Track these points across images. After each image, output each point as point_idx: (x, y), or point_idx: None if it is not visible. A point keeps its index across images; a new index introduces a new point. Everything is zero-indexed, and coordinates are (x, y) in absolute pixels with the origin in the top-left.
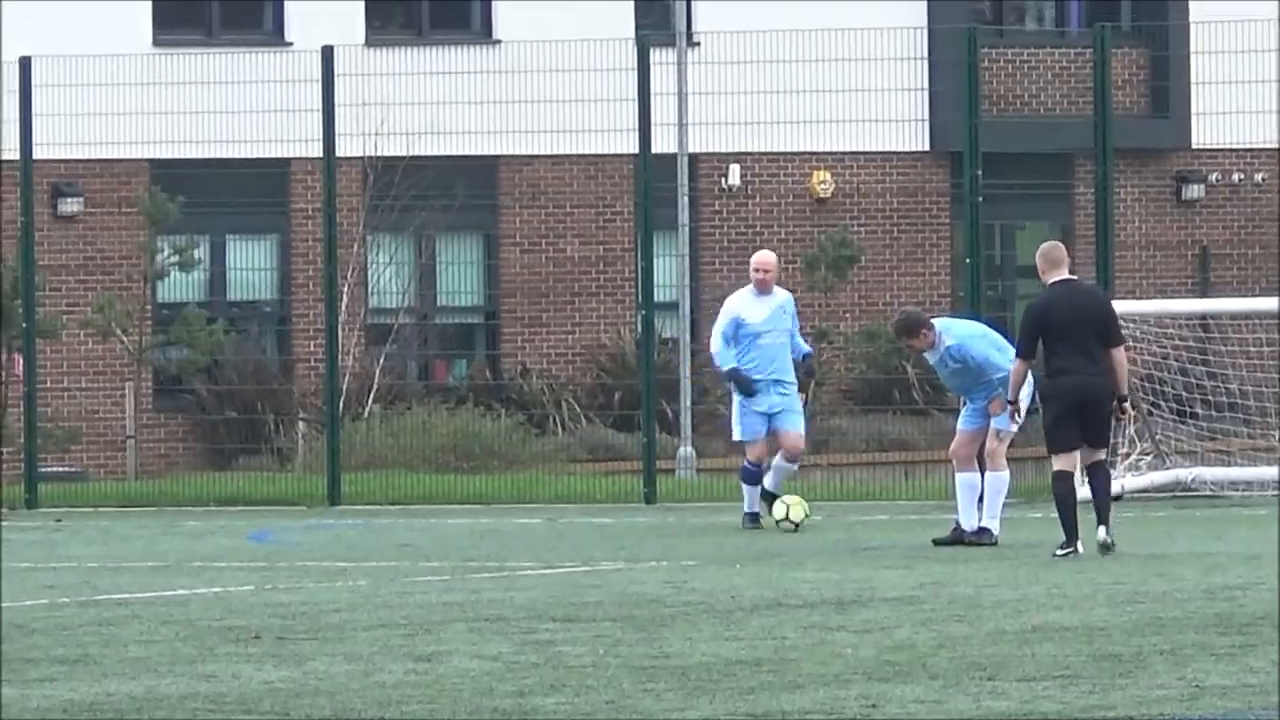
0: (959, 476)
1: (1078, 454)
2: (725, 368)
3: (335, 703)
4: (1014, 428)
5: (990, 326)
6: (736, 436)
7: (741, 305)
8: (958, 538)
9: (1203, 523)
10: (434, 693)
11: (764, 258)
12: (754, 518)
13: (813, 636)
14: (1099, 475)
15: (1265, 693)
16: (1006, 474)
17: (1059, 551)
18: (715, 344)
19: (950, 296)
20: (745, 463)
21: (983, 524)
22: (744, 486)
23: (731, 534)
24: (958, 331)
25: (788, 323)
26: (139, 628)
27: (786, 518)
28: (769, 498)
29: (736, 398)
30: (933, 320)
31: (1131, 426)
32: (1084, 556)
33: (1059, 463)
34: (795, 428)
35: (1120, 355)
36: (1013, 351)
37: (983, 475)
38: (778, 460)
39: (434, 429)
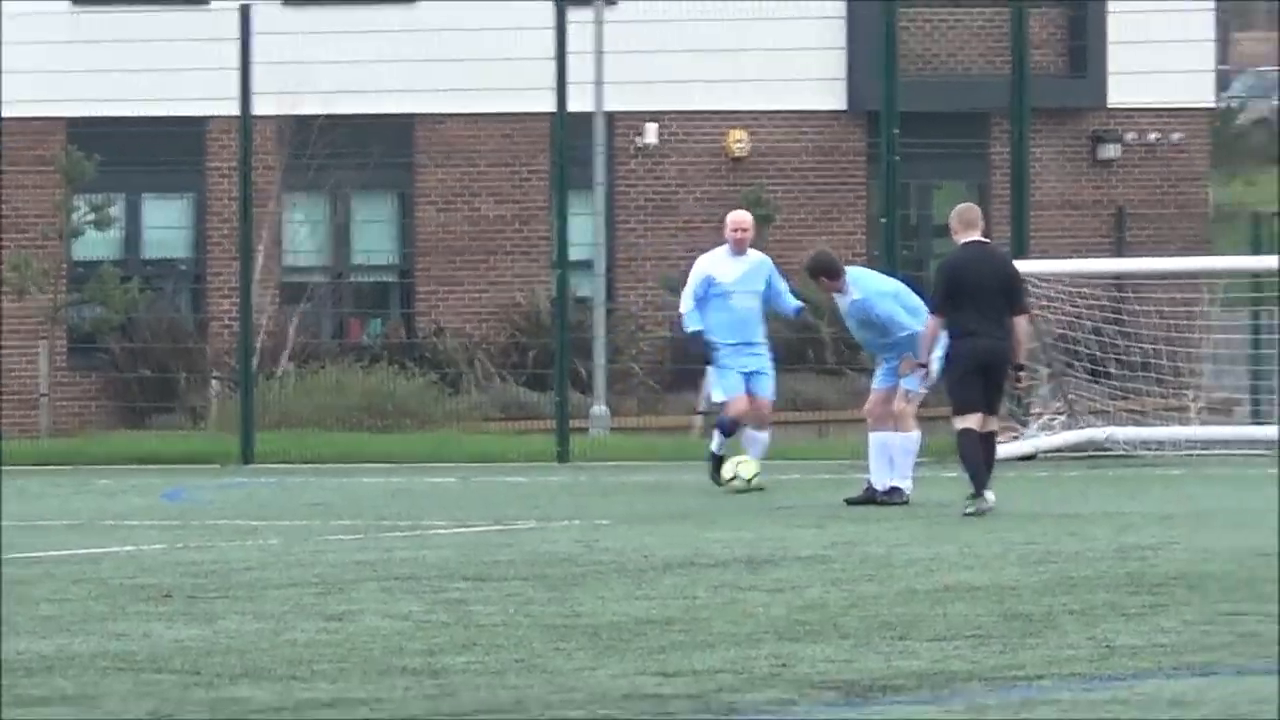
0: (872, 436)
1: (981, 413)
2: (690, 329)
3: (246, 661)
4: (924, 389)
5: (908, 285)
6: (717, 397)
7: (713, 264)
8: (870, 497)
9: (1115, 482)
10: (344, 651)
11: (740, 217)
12: (718, 460)
13: (724, 596)
14: (987, 446)
15: (1176, 653)
16: (917, 434)
17: (969, 508)
18: (685, 303)
19: (866, 255)
20: (723, 415)
21: (894, 483)
22: (717, 433)
23: (644, 493)
24: (866, 285)
25: (761, 284)
26: (51, 586)
27: (736, 476)
28: (718, 461)
29: (714, 360)
30: (848, 268)
31: (1045, 386)
32: (996, 515)
33: (963, 421)
34: (764, 392)
35: (1024, 323)
36: (924, 313)
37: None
38: (749, 434)
39: (348, 388)
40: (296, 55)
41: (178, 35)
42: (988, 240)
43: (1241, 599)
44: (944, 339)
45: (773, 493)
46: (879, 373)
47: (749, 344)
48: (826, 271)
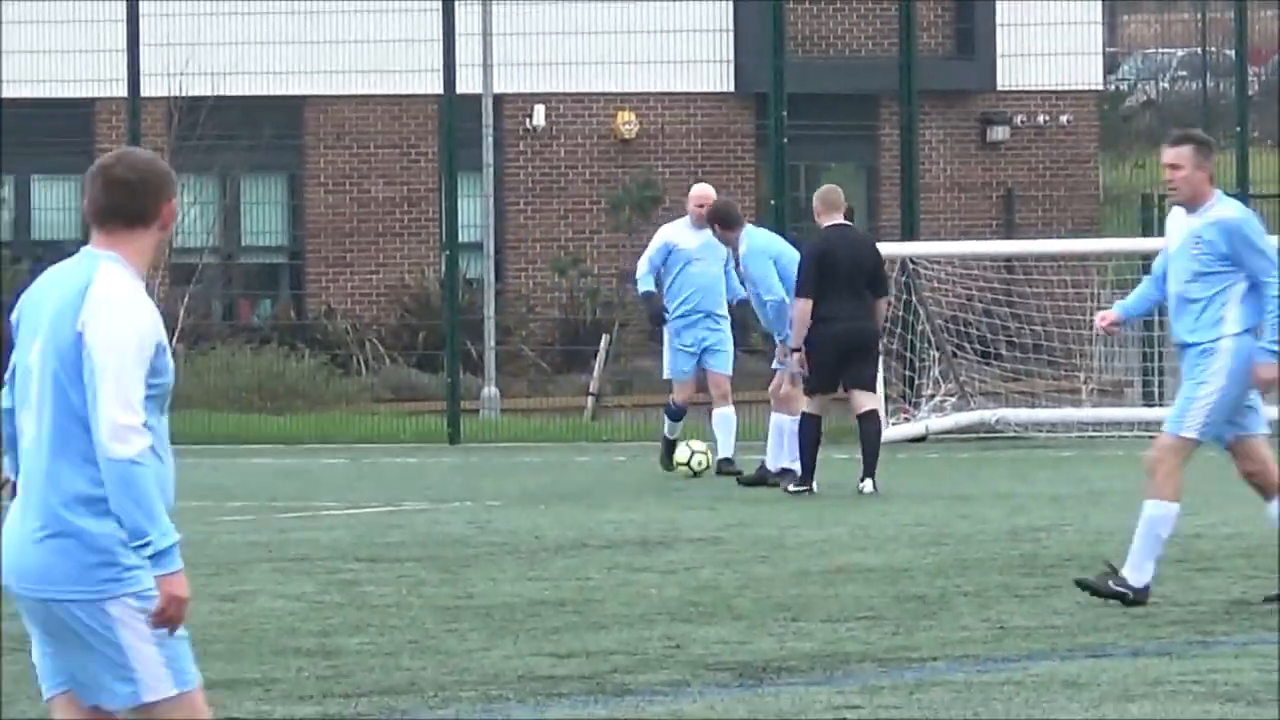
0: (773, 416)
1: (828, 398)
2: (642, 289)
3: None
4: (799, 370)
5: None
6: (666, 375)
7: (674, 232)
8: (762, 477)
9: (1007, 464)
10: (238, 632)
11: (703, 191)
12: (669, 445)
13: (617, 577)
14: (871, 423)
15: (1069, 634)
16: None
17: (792, 487)
18: (641, 267)
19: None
20: (670, 401)
21: (785, 465)
22: (665, 419)
23: (535, 474)
24: (753, 241)
25: (722, 255)
26: None
27: (688, 463)
28: (670, 445)
29: (668, 334)
30: (748, 225)
31: (936, 368)
32: (889, 497)
33: (810, 405)
34: (722, 368)
35: (883, 305)
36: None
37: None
38: (715, 418)
39: (238, 369)
40: (185, 36)
41: (65, 17)
42: (851, 223)
43: None
44: None
45: (664, 474)
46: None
47: (709, 314)
48: (722, 220)
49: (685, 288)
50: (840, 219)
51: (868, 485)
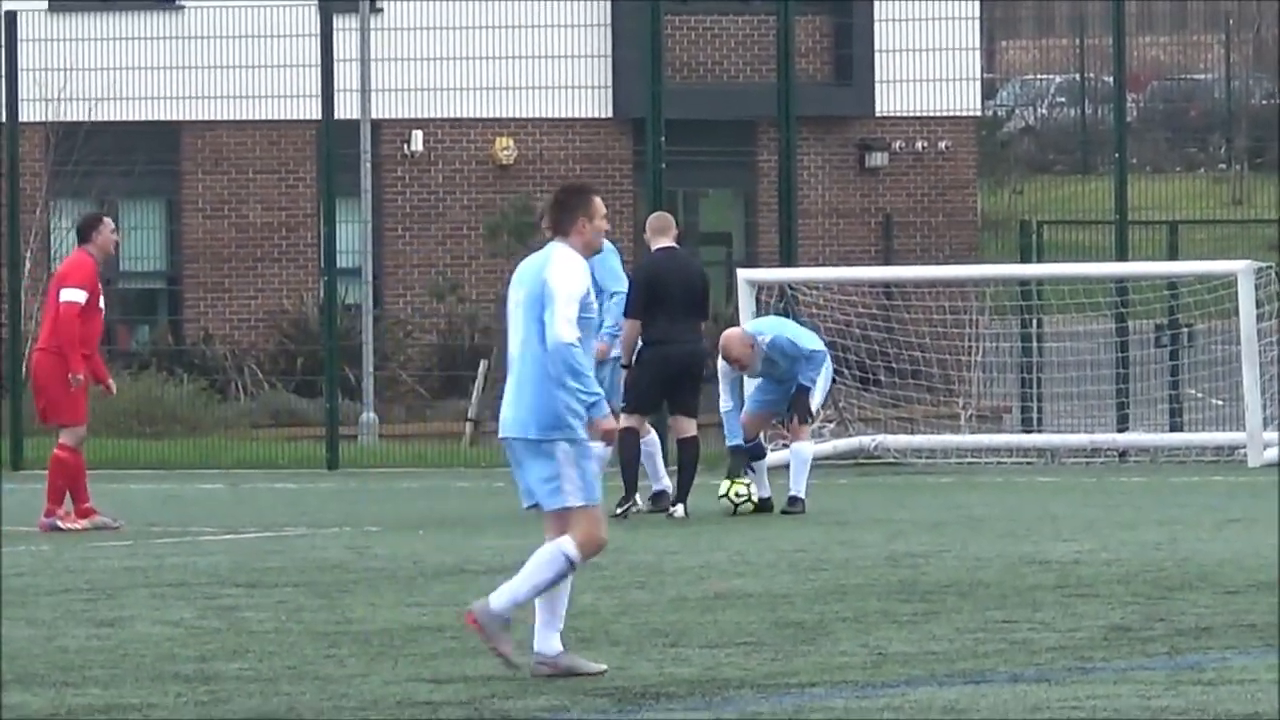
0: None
1: (643, 417)
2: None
3: (17, 666)
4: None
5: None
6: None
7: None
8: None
9: (885, 490)
10: (116, 657)
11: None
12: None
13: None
14: (689, 450)
15: (948, 660)
16: (652, 435)
17: (618, 510)
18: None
19: (634, 262)
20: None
21: (658, 488)
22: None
23: (413, 499)
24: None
25: None
26: None
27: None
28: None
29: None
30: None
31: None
32: (767, 522)
33: (629, 421)
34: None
35: (702, 329)
36: (621, 297)
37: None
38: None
39: (117, 394)
40: (62, 62)
41: None
42: (678, 246)
43: (1013, 606)
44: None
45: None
46: None
47: None
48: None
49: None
50: (669, 242)
51: (679, 510)
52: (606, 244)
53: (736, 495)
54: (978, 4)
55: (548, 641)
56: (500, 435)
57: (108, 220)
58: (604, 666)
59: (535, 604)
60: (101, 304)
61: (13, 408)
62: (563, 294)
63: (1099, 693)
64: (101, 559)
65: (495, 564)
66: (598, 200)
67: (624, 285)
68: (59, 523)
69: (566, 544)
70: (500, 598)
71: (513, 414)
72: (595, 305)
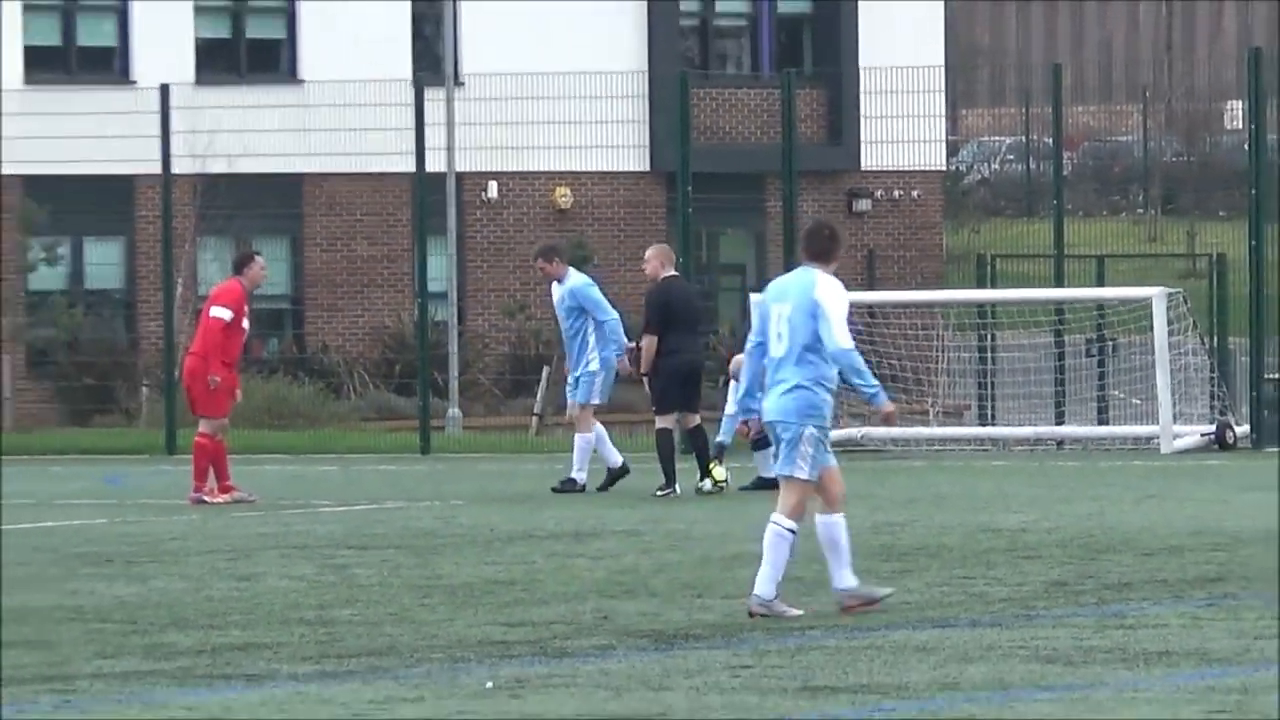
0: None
1: (677, 415)
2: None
3: (173, 614)
4: (596, 399)
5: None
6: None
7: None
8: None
9: (869, 472)
10: (252, 606)
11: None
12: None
13: (556, 561)
14: (699, 436)
15: (919, 608)
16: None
17: (659, 492)
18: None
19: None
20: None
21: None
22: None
23: (490, 479)
24: (577, 280)
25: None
26: (15, 554)
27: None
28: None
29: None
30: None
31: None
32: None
33: (663, 422)
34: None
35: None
36: (614, 323)
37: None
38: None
39: (252, 393)
40: (207, 125)
41: (111, 109)
42: (678, 274)
43: (971, 565)
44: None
45: (592, 478)
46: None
47: None
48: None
49: None
50: (673, 271)
51: (706, 484)
52: (585, 277)
53: (719, 478)
54: (942, 79)
55: (766, 585)
56: (765, 419)
57: (259, 258)
58: (800, 611)
59: (766, 558)
60: (246, 324)
61: (167, 403)
62: (837, 312)
63: (1040, 635)
64: (240, 526)
65: (556, 530)
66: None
67: (612, 314)
68: (204, 497)
69: (779, 519)
70: (844, 579)
71: (778, 403)
72: (780, 315)
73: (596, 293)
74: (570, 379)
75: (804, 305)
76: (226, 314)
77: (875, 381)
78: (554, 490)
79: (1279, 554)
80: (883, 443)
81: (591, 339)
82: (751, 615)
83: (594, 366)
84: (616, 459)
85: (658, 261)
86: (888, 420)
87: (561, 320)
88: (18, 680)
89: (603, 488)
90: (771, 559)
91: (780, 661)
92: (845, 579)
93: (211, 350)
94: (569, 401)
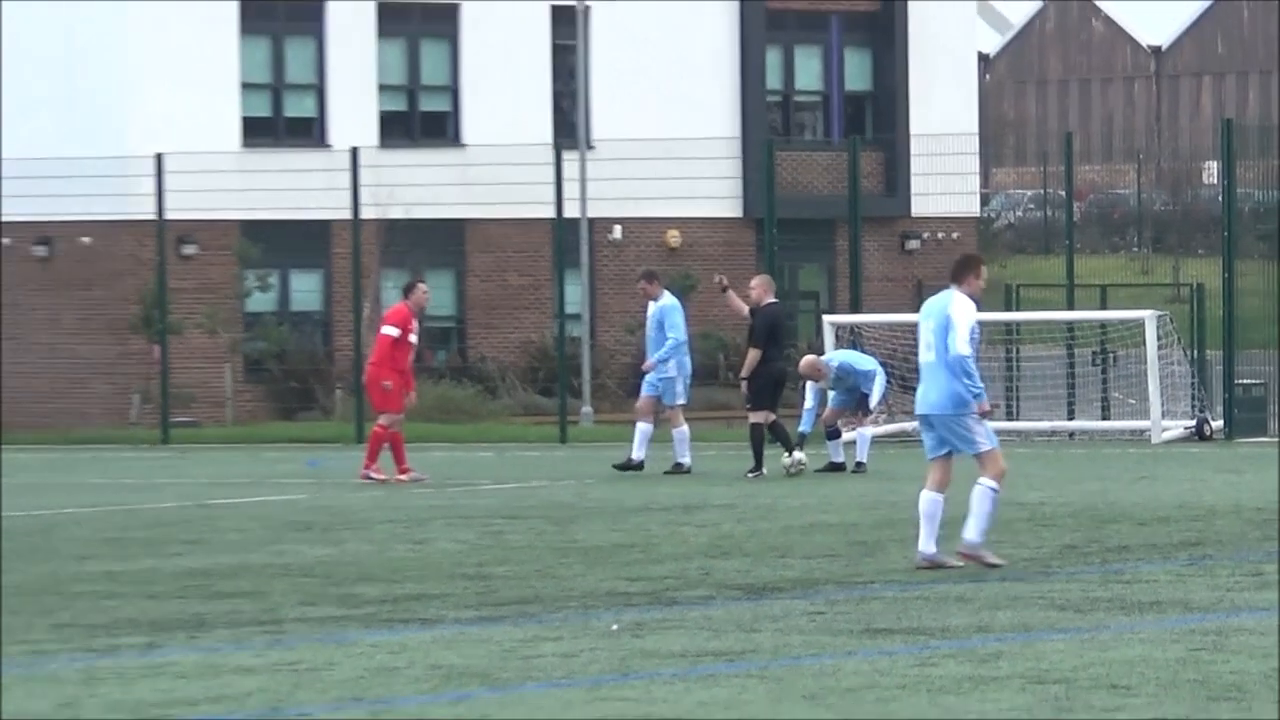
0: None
1: (769, 412)
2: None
3: (360, 570)
4: (681, 400)
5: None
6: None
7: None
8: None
9: (918, 458)
10: (424, 564)
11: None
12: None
13: (669, 529)
14: (779, 427)
15: (959, 567)
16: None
17: (750, 474)
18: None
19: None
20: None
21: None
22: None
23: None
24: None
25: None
26: (233, 522)
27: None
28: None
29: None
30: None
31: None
32: (845, 476)
33: (756, 417)
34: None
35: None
36: (676, 341)
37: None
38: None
39: (424, 394)
40: (388, 180)
41: (311, 167)
42: (778, 301)
43: (999, 532)
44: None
45: (702, 463)
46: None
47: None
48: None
49: None
50: (774, 298)
51: (788, 460)
52: (674, 301)
53: (797, 462)
54: (977, 144)
55: (974, 534)
56: (918, 412)
57: (422, 285)
58: (1003, 561)
59: (974, 512)
60: (413, 338)
61: (355, 402)
62: (961, 324)
63: (1055, 588)
64: (415, 500)
65: (669, 504)
66: (984, 266)
67: (680, 332)
68: (371, 474)
69: (987, 480)
70: (971, 532)
71: (932, 398)
72: (928, 328)
73: (678, 316)
74: (650, 377)
75: (941, 320)
76: (394, 331)
77: (981, 384)
78: (665, 473)
79: (1246, 524)
80: None
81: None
82: (960, 556)
83: (671, 372)
84: (640, 455)
85: (762, 289)
86: (986, 416)
87: (649, 331)
88: (239, 623)
89: (618, 466)
90: (978, 512)
91: (847, 609)
92: (930, 547)
93: (383, 360)
94: (642, 394)
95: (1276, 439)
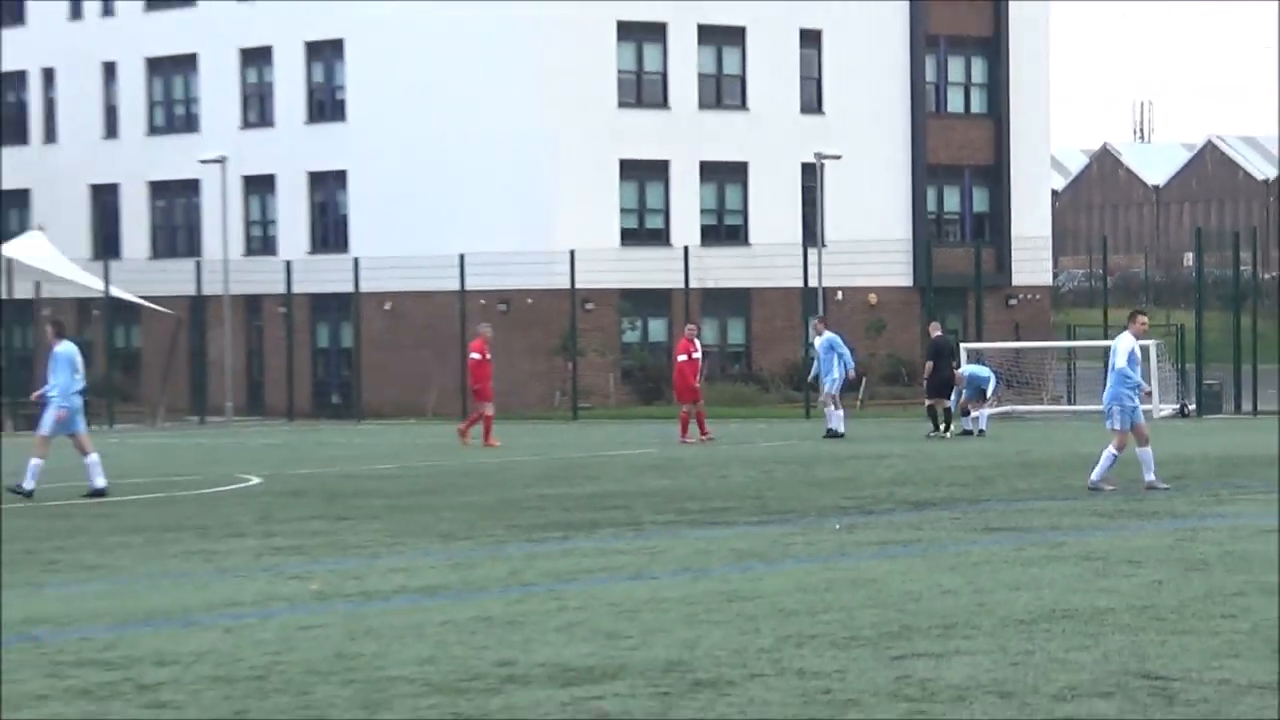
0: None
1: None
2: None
3: (688, 493)
4: (834, 390)
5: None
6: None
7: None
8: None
9: (1020, 428)
10: (726, 489)
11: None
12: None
13: (868, 468)
14: (942, 412)
15: (1045, 491)
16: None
17: (929, 435)
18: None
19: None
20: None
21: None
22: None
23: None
24: (828, 338)
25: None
26: (615, 466)
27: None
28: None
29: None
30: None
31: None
32: (972, 441)
33: (930, 401)
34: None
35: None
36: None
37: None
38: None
39: (723, 390)
40: (707, 265)
41: (661, 257)
42: (943, 334)
43: (1068, 473)
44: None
45: (886, 430)
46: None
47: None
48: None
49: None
50: (940, 331)
51: (947, 433)
52: (836, 336)
53: (949, 429)
54: (1050, 245)
55: (1097, 478)
56: (1105, 403)
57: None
58: (1111, 487)
59: (1101, 465)
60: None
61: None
62: (1121, 352)
63: (1097, 504)
64: (718, 452)
65: (867, 454)
66: (1144, 316)
67: (847, 355)
68: (685, 440)
69: (1111, 449)
70: (1148, 470)
71: (1107, 395)
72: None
73: (842, 345)
74: (824, 379)
75: (1112, 349)
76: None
77: (1140, 380)
78: (834, 435)
79: (1209, 466)
80: (1025, 414)
81: (834, 365)
82: (1090, 489)
83: (836, 374)
84: (838, 425)
85: (934, 328)
86: (1146, 398)
87: (820, 354)
88: (617, 523)
89: (826, 436)
90: (1102, 465)
91: (973, 516)
92: (1149, 476)
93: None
94: (823, 390)
95: (1229, 417)
